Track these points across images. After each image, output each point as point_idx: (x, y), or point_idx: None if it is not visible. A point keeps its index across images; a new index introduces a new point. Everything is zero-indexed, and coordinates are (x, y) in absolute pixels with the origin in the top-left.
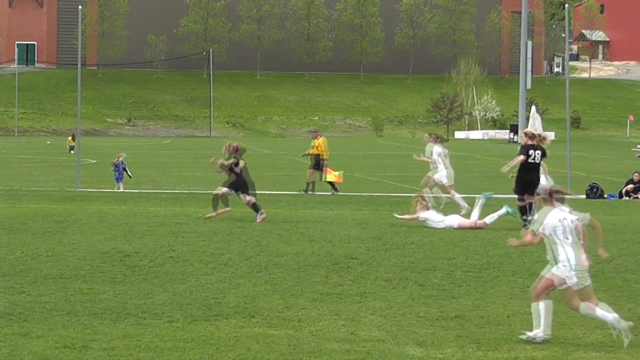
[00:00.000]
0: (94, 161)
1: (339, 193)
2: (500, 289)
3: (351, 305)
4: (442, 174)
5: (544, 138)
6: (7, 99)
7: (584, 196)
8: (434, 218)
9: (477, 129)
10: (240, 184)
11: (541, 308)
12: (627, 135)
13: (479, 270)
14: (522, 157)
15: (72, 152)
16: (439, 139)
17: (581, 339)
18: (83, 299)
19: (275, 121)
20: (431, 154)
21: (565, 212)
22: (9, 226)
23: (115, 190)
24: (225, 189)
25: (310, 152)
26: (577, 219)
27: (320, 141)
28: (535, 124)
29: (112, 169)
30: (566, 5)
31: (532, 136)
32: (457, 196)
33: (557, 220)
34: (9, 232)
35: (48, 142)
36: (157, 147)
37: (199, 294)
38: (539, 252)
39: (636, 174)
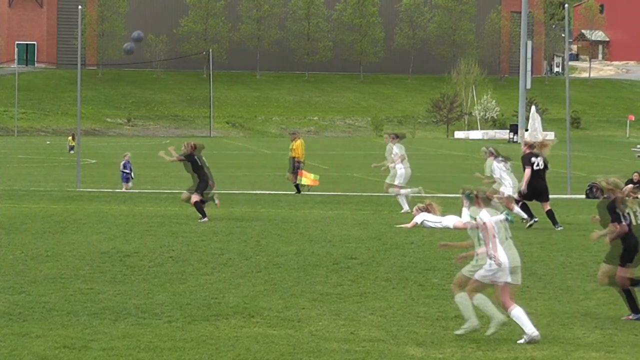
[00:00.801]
0: (94, 161)
1: (305, 193)
2: None
3: (351, 305)
4: (397, 173)
5: (544, 145)
6: (7, 99)
7: (584, 196)
8: (431, 219)
9: (477, 129)
10: (201, 186)
11: (515, 315)
12: (627, 135)
13: None
14: (528, 171)
15: (72, 152)
16: (397, 137)
17: (581, 339)
18: (83, 299)
19: (275, 121)
20: (390, 154)
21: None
22: (9, 226)
23: (122, 190)
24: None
25: (292, 155)
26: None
27: (297, 144)
28: (535, 124)
29: (120, 169)
30: (566, 5)
31: (531, 145)
32: (400, 192)
33: (499, 221)
34: (9, 232)
35: (48, 142)
36: (157, 147)
37: (198, 294)
38: (538, 252)
39: (636, 174)
